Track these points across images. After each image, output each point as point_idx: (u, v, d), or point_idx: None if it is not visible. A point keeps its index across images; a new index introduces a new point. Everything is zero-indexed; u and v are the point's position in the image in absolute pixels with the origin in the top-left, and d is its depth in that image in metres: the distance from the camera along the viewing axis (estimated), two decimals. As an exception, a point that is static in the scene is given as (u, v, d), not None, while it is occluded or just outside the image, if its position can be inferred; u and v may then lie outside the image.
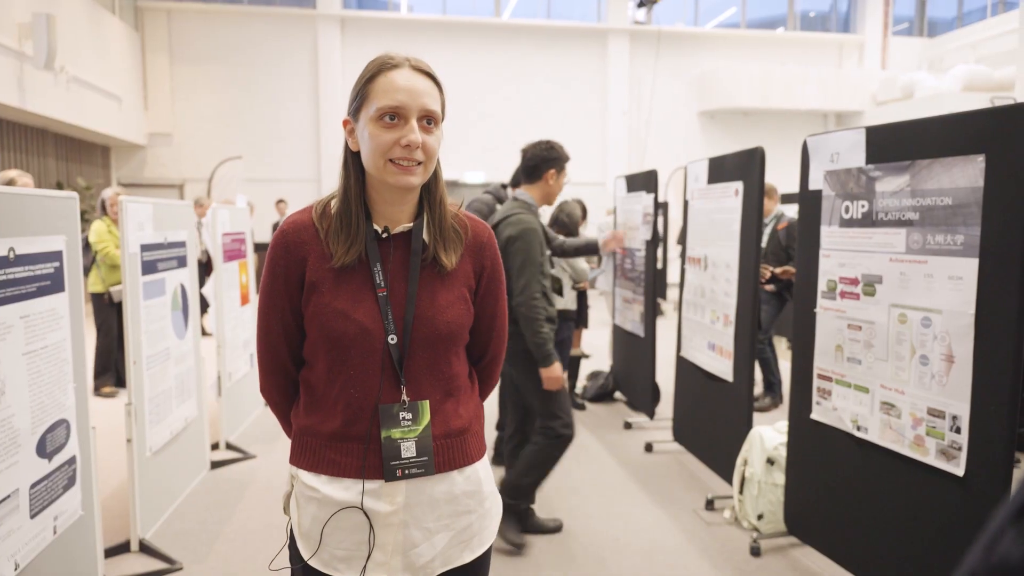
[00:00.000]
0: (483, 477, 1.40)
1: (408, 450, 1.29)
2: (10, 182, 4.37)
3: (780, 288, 5.47)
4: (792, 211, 6.49)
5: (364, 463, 1.28)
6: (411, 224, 1.35)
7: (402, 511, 1.29)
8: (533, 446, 3.13)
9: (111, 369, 5.66)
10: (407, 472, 1.29)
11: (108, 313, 5.56)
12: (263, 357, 1.39)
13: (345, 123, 1.34)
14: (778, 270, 5.29)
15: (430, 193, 1.36)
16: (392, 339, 1.29)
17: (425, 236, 1.34)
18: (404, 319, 1.30)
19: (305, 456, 1.33)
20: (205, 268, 6.77)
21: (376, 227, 1.33)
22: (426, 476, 1.30)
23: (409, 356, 1.30)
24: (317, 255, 1.30)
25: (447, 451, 1.33)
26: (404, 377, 1.30)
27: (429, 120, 1.29)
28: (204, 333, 6.92)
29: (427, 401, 1.31)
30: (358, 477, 1.28)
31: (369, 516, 1.28)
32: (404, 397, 1.30)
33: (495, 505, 1.44)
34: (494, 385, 1.57)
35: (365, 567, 1.29)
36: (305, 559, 1.31)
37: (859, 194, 2.58)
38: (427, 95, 1.28)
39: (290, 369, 1.39)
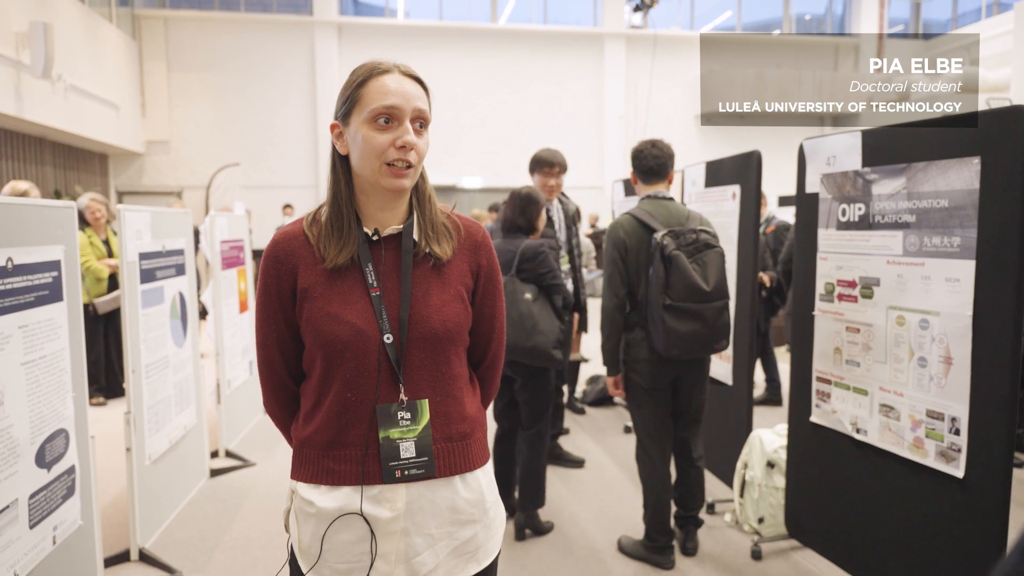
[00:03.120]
0: (485, 485, 1.38)
1: (407, 450, 1.28)
2: (24, 194, 4.39)
3: (768, 293, 5.45)
4: (789, 214, 6.50)
5: (363, 468, 1.27)
6: (401, 225, 1.35)
7: (403, 517, 1.27)
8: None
9: (99, 380, 5.65)
10: (407, 473, 1.27)
11: (94, 325, 5.52)
12: (263, 372, 1.39)
13: (333, 127, 1.35)
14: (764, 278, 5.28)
15: (418, 191, 1.37)
16: (388, 338, 1.28)
17: (416, 235, 1.34)
18: (399, 318, 1.29)
19: (304, 468, 1.32)
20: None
21: (367, 230, 1.33)
22: (427, 479, 1.29)
23: (407, 355, 1.29)
24: (308, 263, 1.31)
25: (448, 455, 1.31)
26: (402, 376, 1.29)
27: (421, 123, 1.31)
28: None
29: (426, 400, 1.30)
30: (357, 484, 1.27)
31: (370, 523, 1.26)
32: (402, 396, 1.29)
33: (499, 515, 1.42)
34: (495, 390, 1.55)
35: None
36: (304, 573, 1.29)
37: (856, 197, 2.58)
38: (419, 98, 1.30)
39: (288, 383, 1.39)
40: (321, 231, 1.32)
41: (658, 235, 2.81)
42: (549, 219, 4.02)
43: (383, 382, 1.28)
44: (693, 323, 2.77)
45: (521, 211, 3.35)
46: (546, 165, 3.96)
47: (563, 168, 4.02)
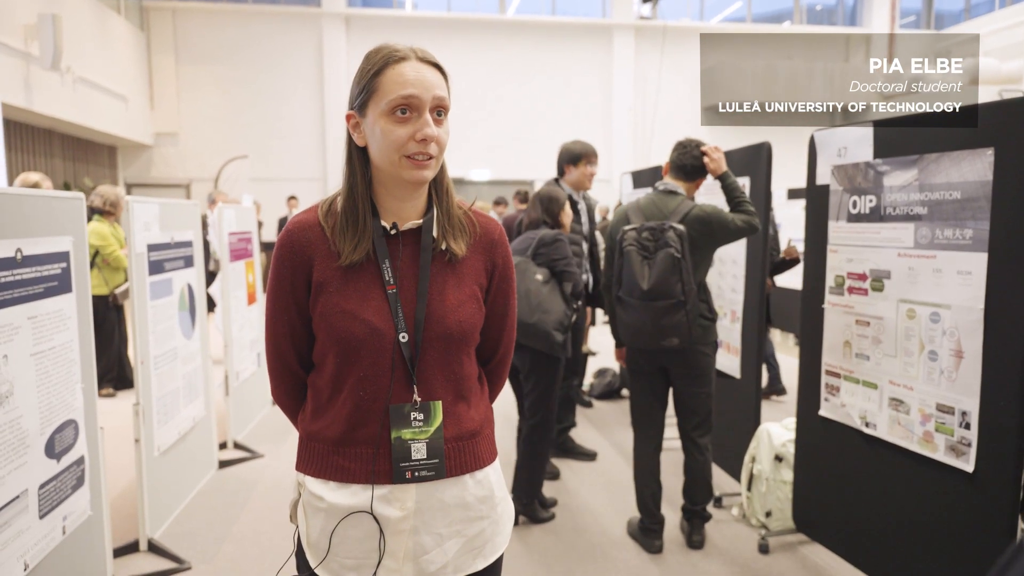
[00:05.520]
0: (494, 481, 1.37)
1: (418, 452, 1.26)
2: (35, 185, 4.41)
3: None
4: (798, 207, 6.44)
5: (373, 467, 1.25)
6: (421, 220, 1.31)
7: (412, 516, 1.26)
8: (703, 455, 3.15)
9: (112, 371, 5.68)
10: (417, 474, 1.26)
11: (110, 316, 5.55)
12: (271, 362, 1.37)
13: (349, 117, 1.30)
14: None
15: (437, 183, 1.34)
16: (403, 337, 1.25)
17: (435, 231, 1.31)
18: (415, 317, 1.26)
19: (312, 462, 1.30)
20: (212, 277, 6.38)
21: (384, 224, 1.30)
22: (436, 480, 1.27)
23: (421, 355, 1.27)
24: (323, 254, 1.28)
25: (458, 454, 1.30)
26: (416, 377, 1.27)
27: (440, 112, 1.26)
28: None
29: (440, 402, 1.28)
30: (367, 483, 1.25)
31: (379, 522, 1.25)
32: (416, 397, 1.26)
33: (507, 510, 1.41)
34: (502, 387, 1.54)
35: (375, 574, 1.25)
36: (312, 567, 1.28)
37: (867, 189, 2.56)
38: (438, 86, 1.25)
39: (298, 372, 1.36)
40: (336, 223, 1.28)
41: (624, 228, 2.96)
42: (576, 212, 4.05)
43: (396, 382, 1.26)
44: (634, 316, 2.92)
45: (545, 210, 3.41)
46: (591, 155, 4.04)
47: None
